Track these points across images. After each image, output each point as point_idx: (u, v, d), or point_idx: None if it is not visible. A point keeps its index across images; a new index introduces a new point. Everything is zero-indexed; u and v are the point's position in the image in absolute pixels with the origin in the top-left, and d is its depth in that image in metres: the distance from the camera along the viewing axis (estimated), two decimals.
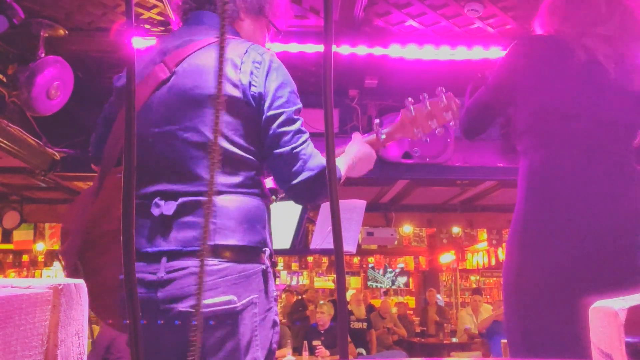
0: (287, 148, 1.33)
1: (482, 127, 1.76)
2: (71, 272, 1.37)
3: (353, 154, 1.58)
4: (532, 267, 1.50)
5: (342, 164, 1.53)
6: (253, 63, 1.35)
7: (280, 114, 1.33)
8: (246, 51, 1.36)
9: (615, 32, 1.60)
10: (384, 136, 1.68)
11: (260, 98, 1.34)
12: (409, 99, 1.68)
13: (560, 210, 1.50)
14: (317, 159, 1.35)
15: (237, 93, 1.32)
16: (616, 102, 1.57)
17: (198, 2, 1.50)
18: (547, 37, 1.66)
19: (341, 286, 0.61)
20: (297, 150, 1.33)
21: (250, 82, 1.33)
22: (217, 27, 1.45)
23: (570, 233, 1.47)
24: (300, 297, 8.67)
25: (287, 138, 1.33)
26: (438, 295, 10.11)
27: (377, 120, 1.73)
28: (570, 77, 1.59)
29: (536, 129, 1.61)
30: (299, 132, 1.35)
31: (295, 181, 1.34)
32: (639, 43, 1.63)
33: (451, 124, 1.69)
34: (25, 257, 10.41)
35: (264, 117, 1.34)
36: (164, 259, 1.27)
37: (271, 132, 1.34)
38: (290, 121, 1.34)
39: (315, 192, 1.36)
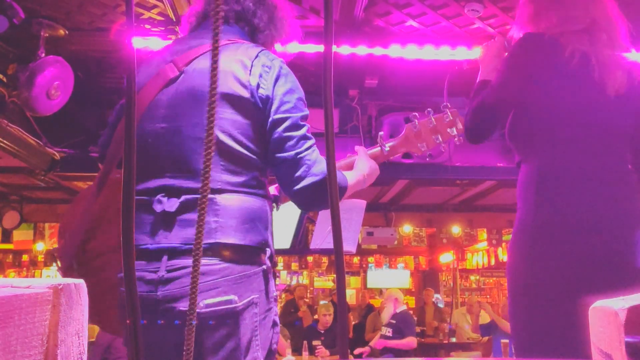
0: (291, 153, 1.33)
1: (489, 131, 1.73)
2: (66, 272, 1.36)
3: (364, 171, 1.58)
4: (544, 269, 1.52)
5: (352, 178, 1.51)
6: (263, 67, 1.36)
7: (286, 119, 1.34)
8: (257, 55, 1.37)
9: (593, 31, 1.63)
10: (387, 149, 1.69)
11: (267, 101, 1.34)
12: (414, 113, 1.70)
13: (571, 215, 1.53)
14: (322, 165, 1.34)
15: (245, 93, 1.33)
16: (608, 106, 1.60)
17: (225, 17, 1.49)
18: (546, 37, 1.64)
19: (341, 286, 0.61)
20: (301, 155, 1.33)
21: (258, 84, 1.34)
22: (231, 34, 1.47)
23: (581, 236, 1.50)
24: (291, 297, 8.48)
25: (291, 143, 1.33)
26: (438, 296, 10.07)
27: (380, 133, 1.74)
28: (570, 80, 1.60)
29: (543, 134, 1.62)
30: (304, 137, 1.35)
31: (298, 186, 1.33)
32: (614, 42, 1.65)
33: (455, 140, 1.70)
34: (25, 257, 10.40)
35: (269, 120, 1.34)
36: (164, 258, 1.27)
37: (276, 135, 1.34)
38: (295, 126, 1.34)
39: (318, 198, 1.35)
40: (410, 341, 6.13)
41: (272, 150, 1.35)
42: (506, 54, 1.82)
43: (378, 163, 1.66)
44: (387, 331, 6.24)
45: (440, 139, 1.68)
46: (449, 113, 1.67)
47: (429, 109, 1.69)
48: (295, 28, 1.60)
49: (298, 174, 1.33)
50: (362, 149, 1.68)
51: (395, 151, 1.70)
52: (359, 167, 1.60)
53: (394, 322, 6.23)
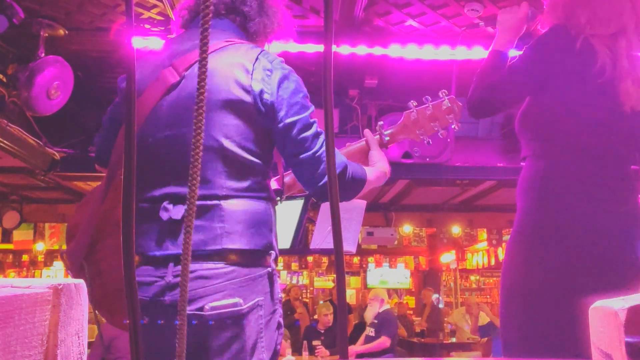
0: (309, 153, 1.36)
1: (493, 113, 1.73)
2: (76, 273, 1.37)
3: (385, 168, 1.60)
4: (545, 270, 1.52)
5: (373, 174, 1.52)
6: (264, 70, 1.36)
7: (297, 121, 1.36)
8: (257, 58, 1.37)
9: (625, 34, 1.59)
10: (387, 138, 1.70)
11: (272, 106, 1.35)
12: (412, 101, 1.70)
13: (573, 217, 1.52)
14: (338, 158, 1.39)
15: (247, 98, 1.34)
16: (628, 117, 1.57)
17: (215, 10, 1.48)
18: (578, 38, 1.57)
19: (341, 286, 0.61)
20: (319, 153, 1.36)
21: (262, 90, 1.34)
22: (222, 28, 1.46)
23: (583, 238, 1.50)
24: (287, 298, 8.33)
25: (307, 144, 1.36)
26: (438, 296, 10.05)
27: (380, 122, 1.74)
28: (594, 88, 1.56)
29: (556, 136, 1.60)
30: (316, 135, 1.38)
31: (321, 183, 1.37)
32: None
33: (453, 126, 1.70)
34: (25, 257, 10.40)
35: (281, 125, 1.35)
36: (171, 264, 1.29)
37: (291, 139, 1.36)
38: (307, 126, 1.37)
39: (342, 189, 1.38)
40: (382, 342, 6.03)
41: (289, 153, 1.38)
42: (525, 31, 1.76)
43: None
44: (371, 331, 6.24)
45: (439, 125, 1.69)
46: (447, 100, 1.67)
47: (426, 97, 1.69)
48: (288, 17, 1.59)
49: (319, 171, 1.36)
50: (371, 137, 1.68)
51: (394, 139, 1.71)
52: (378, 164, 1.61)
53: (376, 322, 6.23)
